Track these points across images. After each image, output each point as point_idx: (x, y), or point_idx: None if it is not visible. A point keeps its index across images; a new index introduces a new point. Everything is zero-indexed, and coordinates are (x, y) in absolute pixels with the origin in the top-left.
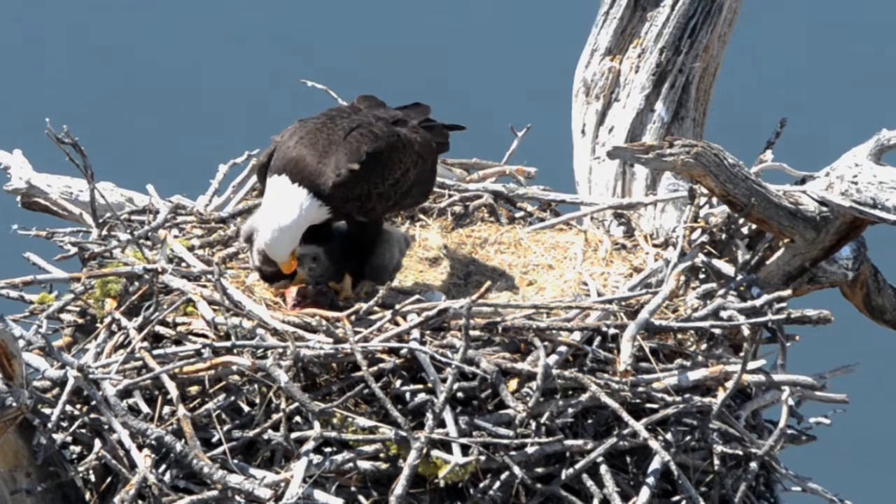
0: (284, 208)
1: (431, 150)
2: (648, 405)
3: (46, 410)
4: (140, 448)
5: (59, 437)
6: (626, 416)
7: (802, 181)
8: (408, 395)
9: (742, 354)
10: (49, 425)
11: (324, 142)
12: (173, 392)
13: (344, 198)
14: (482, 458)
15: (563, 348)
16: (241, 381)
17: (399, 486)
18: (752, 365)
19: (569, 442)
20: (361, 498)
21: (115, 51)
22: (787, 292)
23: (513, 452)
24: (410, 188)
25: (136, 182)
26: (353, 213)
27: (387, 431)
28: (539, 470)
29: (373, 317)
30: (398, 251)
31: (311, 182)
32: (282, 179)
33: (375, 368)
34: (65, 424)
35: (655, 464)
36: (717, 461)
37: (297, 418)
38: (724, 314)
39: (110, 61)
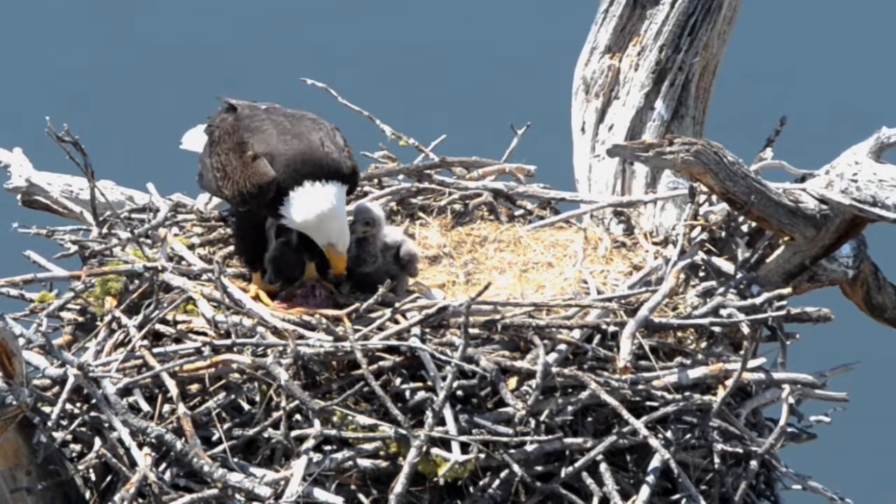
0: (328, 202)
1: None
2: (648, 403)
3: (46, 409)
4: (140, 446)
5: (59, 435)
6: (625, 414)
7: (802, 179)
8: (407, 393)
9: (742, 352)
10: (49, 423)
11: (298, 131)
12: (173, 390)
13: (355, 172)
14: (482, 456)
15: (562, 346)
16: (241, 379)
17: (399, 484)
18: (752, 363)
19: (568, 440)
20: (361, 496)
21: (114, 50)
22: (787, 290)
23: (512, 450)
24: None
25: (136, 180)
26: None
27: (387, 429)
28: (539, 468)
29: (372, 315)
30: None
31: (336, 174)
32: (313, 186)
33: (375, 366)
34: (65, 423)
35: (655, 462)
36: (717, 459)
37: (297, 416)
38: (723, 312)
39: (111, 60)
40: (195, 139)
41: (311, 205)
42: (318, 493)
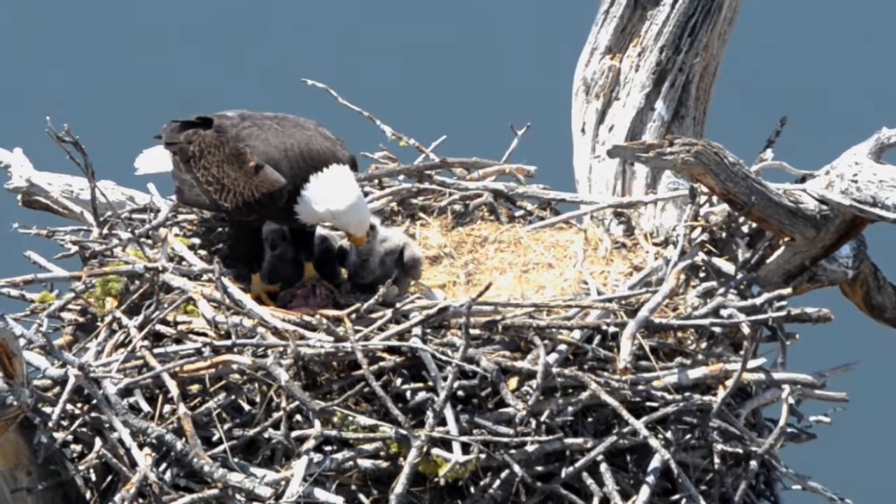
0: (347, 188)
1: None
2: (648, 403)
3: (47, 409)
4: (141, 447)
5: (59, 435)
6: (626, 415)
7: (802, 180)
8: (408, 394)
9: (742, 353)
10: (50, 424)
11: (289, 132)
12: (174, 391)
13: (353, 158)
14: (482, 456)
15: (562, 347)
16: (241, 379)
17: (399, 485)
18: (752, 363)
19: (569, 440)
20: (362, 496)
21: (116, 49)
22: (788, 291)
23: (513, 451)
24: None
25: (136, 180)
26: None
27: (387, 430)
28: (539, 468)
29: (373, 315)
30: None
31: (336, 159)
32: (321, 174)
33: (376, 367)
34: (65, 423)
35: (655, 462)
36: (717, 459)
37: (298, 417)
38: (724, 312)
39: (111, 60)
40: (151, 161)
41: (328, 193)
42: (319, 493)
